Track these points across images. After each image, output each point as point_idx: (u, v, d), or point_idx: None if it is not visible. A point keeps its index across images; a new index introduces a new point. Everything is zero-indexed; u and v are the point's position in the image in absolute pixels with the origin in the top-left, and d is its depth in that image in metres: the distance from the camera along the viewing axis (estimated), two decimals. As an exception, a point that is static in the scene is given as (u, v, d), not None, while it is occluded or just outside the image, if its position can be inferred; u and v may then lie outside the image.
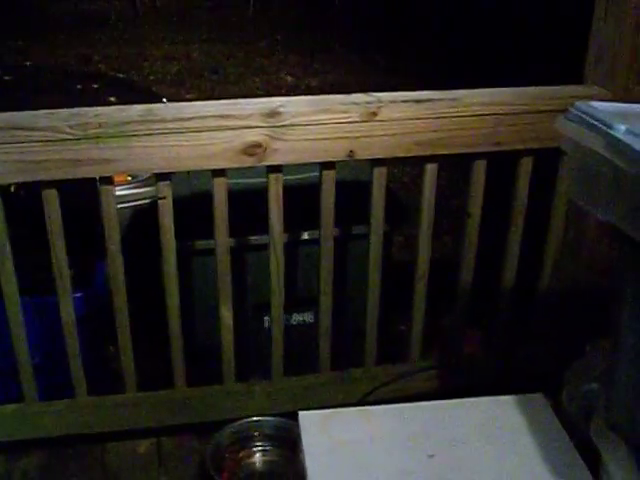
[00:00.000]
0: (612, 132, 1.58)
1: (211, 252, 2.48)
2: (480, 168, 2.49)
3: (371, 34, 7.99)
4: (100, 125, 2.16)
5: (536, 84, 2.50)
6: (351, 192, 2.60)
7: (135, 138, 2.19)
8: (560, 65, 2.70)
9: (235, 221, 2.47)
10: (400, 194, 4.29)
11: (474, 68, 6.31)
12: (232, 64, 7.38)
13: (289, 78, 7.08)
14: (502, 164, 2.52)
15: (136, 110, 2.23)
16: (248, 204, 2.52)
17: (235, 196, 2.51)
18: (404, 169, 4.84)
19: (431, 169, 2.46)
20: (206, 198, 2.40)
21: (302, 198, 2.49)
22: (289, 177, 2.58)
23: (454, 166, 2.52)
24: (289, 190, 2.47)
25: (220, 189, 2.35)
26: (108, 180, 2.29)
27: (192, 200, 2.74)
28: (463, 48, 7.22)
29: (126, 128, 2.18)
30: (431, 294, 2.71)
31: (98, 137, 2.17)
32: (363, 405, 2.27)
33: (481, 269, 2.72)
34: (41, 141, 2.15)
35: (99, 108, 2.23)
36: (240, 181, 2.65)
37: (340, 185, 2.49)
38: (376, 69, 7.22)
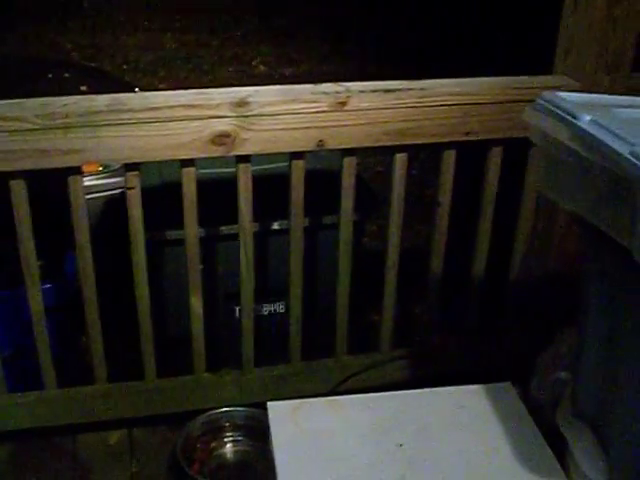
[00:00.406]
0: (577, 122, 1.59)
1: (182, 242, 2.48)
2: (449, 158, 2.50)
3: (345, 23, 7.97)
4: (67, 115, 2.15)
5: (509, 74, 2.50)
6: (322, 182, 2.60)
7: (103, 128, 2.18)
8: (534, 55, 2.71)
9: (206, 211, 2.46)
10: (374, 183, 4.30)
11: (448, 57, 6.31)
12: (206, 53, 7.34)
13: (263, 67, 7.05)
14: (475, 153, 2.53)
15: (104, 100, 2.21)
16: (219, 194, 2.51)
17: (206, 186, 2.51)
18: (378, 158, 4.82)
19: (400, 159, 2.46)
20: (177, 188, 2.39)
21: (274, 188, 2.49)
22: (260, 167, 2.58)
23: (427, 155, 2.52)
24: (261, 180, 2.47)
25: (189, 179, 2.34)
26: (76, 170, 2.28)
27: (163, 190, 2.73)
28: (438, 37, 7.22)
29: (94, 118, 2.17)
30: (404, 283, 2.72)
31: (66, 127, 2.16)
32: (335, 395, 2.27)
33: (454, 258, 2.74)
34: (8, 131, 2.13)
35: (66, 97, 2.20)
36: (211, 171, 2.65)
37: (311, 175, 2.49)
38: (351, 58, 7.20)
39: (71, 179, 2.28)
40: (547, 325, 2.52)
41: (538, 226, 2.71)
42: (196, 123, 2.22)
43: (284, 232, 2.57)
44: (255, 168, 2.43)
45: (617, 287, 1.67)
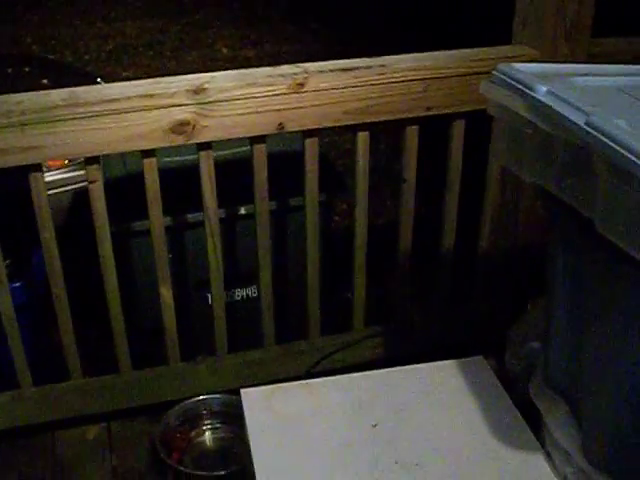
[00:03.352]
0: (533, 94, 1.59)
1: (149, 233, 2.46)
2: (412, 134, 2.49)
3: (306, 1, 7.93)
4: (23, 112, 2.12)
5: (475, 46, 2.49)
6: (288, 164, 2.58)
7: (60, 123, 2.15)
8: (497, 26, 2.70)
9: (173, 199, 2.45)
10: (342, 161, 4.30)
11: (412, 32, 6.29)
12: (167, 38, 7.28)
13: (225, 50, 7.01)
14: (439, 126, 2.52)
15: (59, 95, 2.18)
16: (185, 181, 2.49)
17: (172, 174, 2.49)
18: (345, 136, 4.81)
19: (363, 137, 2.45)
20: (142, 178, 2.37)
21: (240, 172, 2.47)
22: (225, 152, 2.57)
23: (395, 129, 2.51)
24: (226, 164, 2.46)
25: (150, 169, 2.32)
26: (37, 167, 2.25)
27: (127, 181, 2.71)
28: (402, 13, 7.19)
29: (50, 113, 2.14)
30: (377, 260, 2.72)
31: (22, 124, 2.12)
32: (310, 377, 2.27)
33: (425, 233, 2.74)
34: (-36, 132, 2.11)
35: (21, 94, 2.18)
36: (176, 158, 2.63)
37: (277, 157, 2.48)
38: (313, 37, 7.17)
39: (32, 177, 2.25)
40: (519, 295, 2.52)
41: (505, 196, 2.71)
42: (154, 113, 2.20)
43: (252, 216, 2.55)
44: (220, 153, 2.41)
45: (581, 258, 1.68)
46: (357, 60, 2.36)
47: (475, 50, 2.47)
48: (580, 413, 1.76)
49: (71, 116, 2.15)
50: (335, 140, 4.86)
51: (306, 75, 2.27)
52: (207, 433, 2.73)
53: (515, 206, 2.73)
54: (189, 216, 2.64)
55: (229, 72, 2.32)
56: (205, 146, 2.32)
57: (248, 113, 2.26)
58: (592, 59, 2.50)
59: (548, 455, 1.87)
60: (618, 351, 1.59)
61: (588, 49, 2.52)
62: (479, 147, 2.60)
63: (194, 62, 6.71)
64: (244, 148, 2.50)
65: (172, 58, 6.92)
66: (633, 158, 1.30)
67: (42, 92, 2.24)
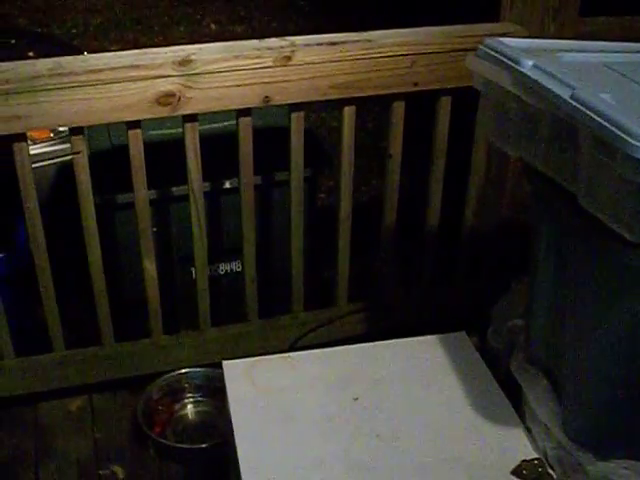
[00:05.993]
0: (519, 68, 1.59)
1: (133, 205, 2.45)
2: (398, 109, 2.48)
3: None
4: (7, 81, 2.10)
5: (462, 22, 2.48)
6: (273, 138, 2.58)
7: (45, 93, 2.13)
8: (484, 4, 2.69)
9: (158, 172, 2.44)
10: (329, 138, 4.28)
11: (399, 10, 6.26)
12: (155, 14, 7.23)
13: (214, 26, 6.97)
14: (425, 103, 2.51)
15: (44, 64, 2.16)
16: (171, 155, 2.48)
17: (157, 147, 2.48)
18: (332, 114, 4.80)
19: (349, 111, 2.44)
20: (127, 151, 2.36)
21: (226, 146, 2.47)
22: (211, 125, 2.56)
23: (383, 108, 2.51)
24: (212, 138, 2.44)
25: (135, 141, 2.31)
26: (21, 137, 2.23)
27: (113, 153, 2.69)
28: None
29: (35, 83, 2.12)
30: (361, 237, 2.72)
31: (7, 93, 2.11)
32: (294, 352, 2.27)
33: (411, 210, 2.74)
34: (-51, 100, 2.09)
35: (6, 63, 2.16)
36: (161, 132, 2.62)
37: (263, 131, 2.47)
38: (302, 14, 7.14)
39: (16, 146, 2.24)
40: (504, 273, 2.52)
41: (490, 175, 2.71)
42: (140, 84, 2.19)
43: (237, 191, 2.55)
44: (206, 127, 2.40)
45: (564, 232, 1.68)
46: (344, 34, 2.35)
47: (462, 27, 2.46)
48: (560, 389, 1.77)
49: (56, 86, 2.13)
50: (323, 117, 4.84)
51: (293, 48, 2.26)
52: (189, 406, 2.74)
53: (500, 185, 2.73)
54: (174, 189, 2.63)
55: (216, 44, 2.31)
56: (190, 118, 2.31)
57: (234, 85, 2.25)
58: (580, 38, 2.49)
59: (528, 430, 1.88)
60: (599, 326, 1.59)
61: (576, 28, 2.52)
62: (465, 126, 2.60)
63: (182, 38, 6.65)
64: (230, 122, 2.49)
65: (160, 34, 6.87)
66: (617, 132, 1.30)
67: (27, 61, 2.22)
